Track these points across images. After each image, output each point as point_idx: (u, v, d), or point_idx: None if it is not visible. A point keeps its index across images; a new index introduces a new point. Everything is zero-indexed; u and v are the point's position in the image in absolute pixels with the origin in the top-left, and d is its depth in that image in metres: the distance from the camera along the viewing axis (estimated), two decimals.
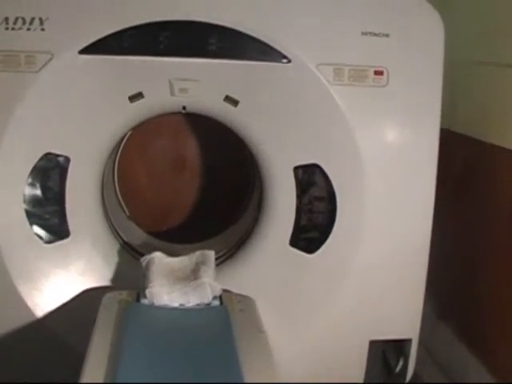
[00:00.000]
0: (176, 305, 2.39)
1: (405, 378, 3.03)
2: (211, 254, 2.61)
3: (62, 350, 2.70)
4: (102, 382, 1.90)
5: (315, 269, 2.78)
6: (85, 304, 2.69)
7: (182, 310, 2.39)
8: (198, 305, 2.40)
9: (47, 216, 2.72)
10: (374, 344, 2.90)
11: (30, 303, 2.72)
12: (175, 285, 2.44)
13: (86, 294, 2.75)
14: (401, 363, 3.00)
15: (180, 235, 3.28)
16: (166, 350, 2.13)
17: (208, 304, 2.42)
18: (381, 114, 2.70)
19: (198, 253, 2.63)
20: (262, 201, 2.87)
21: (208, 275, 2.46)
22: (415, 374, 3.08)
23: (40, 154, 2.63)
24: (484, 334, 3.00)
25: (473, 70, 3.12)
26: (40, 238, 2.70)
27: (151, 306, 2.39)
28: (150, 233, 3.29)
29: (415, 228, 2.78)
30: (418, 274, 2.84)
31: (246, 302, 2.56)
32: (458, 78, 3.11)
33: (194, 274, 2.49)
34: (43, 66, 2.54)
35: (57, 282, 2.74)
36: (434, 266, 2.90)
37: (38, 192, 2.69)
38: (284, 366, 2.15)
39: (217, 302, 2.43)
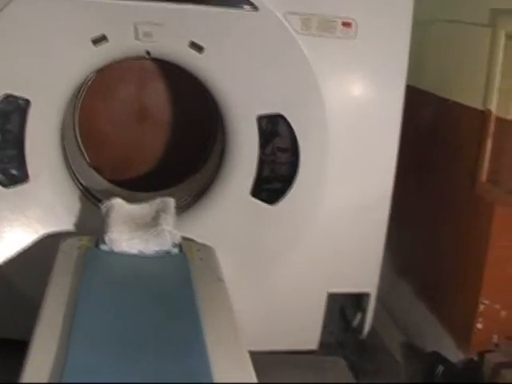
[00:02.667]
0: (135, 251, 2.37)
1: (362, 332, 3.06)
2: (171, 202, 2.59)
3: (19, 297, 2.67)
4: (59, 329, 1.86)
5: (276, 220, 2.78)
6: (43, 250, 2.64)
7: (141, 258, 2.37)
8: (157, 252, 2.39)
9: (6, 160, 2.67)
10: (332, 297, 2.91)
11: None
12: (135, 232, 2.42)
13: (45, 239, 2.73)
14: (358, 317, 3.02)
15: (142, 184, 3.25)
16: (125, 297, 2.11)
17: (167, 251, 2.40)
18: (348, 66, 2.69)
19: (158, 200, 2.61)
20: (224, 151, 2.85)
21: (168, 223, 2.44)
22: (373, 329, 3.10)
23: None
24: (442, 292, 3.02)
25: (439, 28, 3.11)
26: None
27: (110, 252, 2.36)
28: (111, 181, 3.24)
29: (377, 181, 2.79)
30: (379, 228, 2.85)
31: (206, 250, 2.55)
32: (425, 36, 3.10)
33: (153, 222, 2.47)
34: (4, 6, 2.48)
35: (15, 226, 2.71)
36: (395, 223, 2.92)
37: None
38: (242, 314, 2.14)
39: (176, 250, 2.42)
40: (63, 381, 1.59)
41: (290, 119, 2.68)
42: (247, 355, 1.85)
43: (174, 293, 2.16)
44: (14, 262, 2.72)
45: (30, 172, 2.69)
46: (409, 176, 3.12)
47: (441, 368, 2.67)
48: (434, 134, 3.18)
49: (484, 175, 2.73)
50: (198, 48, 2.60)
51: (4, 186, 2.68)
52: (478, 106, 2.74)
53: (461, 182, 2.89)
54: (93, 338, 1.83)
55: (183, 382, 1.66)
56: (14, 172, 2.69)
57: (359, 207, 2.78)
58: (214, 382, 1.65)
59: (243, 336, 1.96)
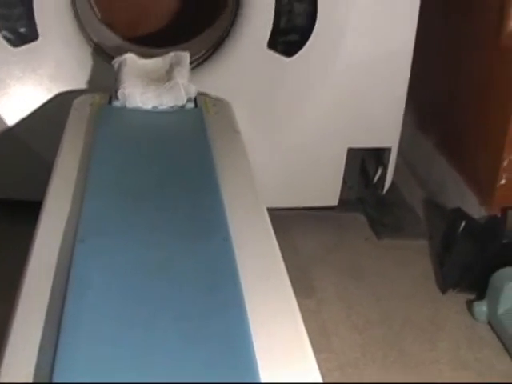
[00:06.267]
0: (149, 107, 2.32)
1: (383, 187, 3.02)
2: (186, 56, 2.51)
3: (33, 157, 2.66)
4: (73, 186, 1.83)
5: (293, 72, 2.70)
6: (56, 109, 2.62)
7: (155, 113, 2.32)
8: (171, 107, 2.34)
9: (14, 18, 2.60)
10: (352, 152, 2.86)
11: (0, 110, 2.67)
12: (148, 86, 2.36)
13: (57, 98, 2.68)
14: (379, 172, 2.98)
15: (155, 39, 3.16)
16: (139, 151, 2.06)
17: (182, 106, 2.35)
18: None
19: (172, 54, 2.53)
20: (238, 2, 2.73)
21: (182, 76, 2.37)
22: (393, 185, 3.08)
23: None
24: (464, 145, 2.97)
25: None
26: (8, 41, 2.61)
27: (124, 108, 2.31)
28: (124, 37, 3.15)
29: (399, 31, 2.69)
30: (400, 80, 2.76)
31: (222, 104, 2.50)
32: None
33: (167, 76, 2.41)
34: None
35: (28, 86, 2.67)
36: (417, 76, 2.83)
37: None
38: (260, 170, 2.11)
39: (191, 105, 2.36)
40: (78, 235, 1.56)
41: None
42: (264, 208, 1.81)
43: (190, 145, 2.11)
44: (27, 121, 2.69)
45: (39, 30, 2.63)
46: (431, 26, 3.02)
47: (463, 224, 2.65)
48: None
49: (510, 24, 2.60)
50: None
51: (14, 45, 2.62)
52: None
53: (486, 32, 2.78)
54: (108, 191, 1.80)
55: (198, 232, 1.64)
56: (22, 30, 2.62)
57: (380, 57, 2.69)
58: (231, 234, 1.61)
59: (260, 189, 1.91)
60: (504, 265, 2.45)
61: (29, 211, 1.87)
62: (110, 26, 3.13)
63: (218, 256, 1.53)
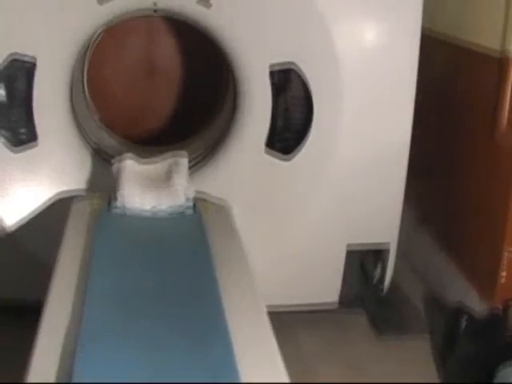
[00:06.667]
0: (148, 207, 2.35)
1: (383, 287, 3.01)
2: (184, 161, 2.55)
3: (32, 259, 2.64)
4: (73, 292, 1.85)
5: (291, 174, 2.73)
6: (55, 211, 2.65)
7: (154, 220, 2.34)
8: (170, 207, 2.37)
9: (14, 119, 2.65)
10: (351, 254, 2.86)
11: None
12: (148, 187, 2.40)
13: (57, 199, 2.70)
14: (379, 270, 2.96)
15: (154, 138, 3.22)
16: (140, 258, 2.09)
17: (181, 209, 2.38)
18: (359, 12, 2.61)
19: (170, 160, 2.57)
20: (236, 105, 2.79)
21: (180, 177, 2.43)
22: (394, 282, 3.06)
23: (5, 55, 2.54)
24: (464, 242, 2.97)
25: None
26: (8, 142, 2.64)
27: (123, 215, 2.34)
28: (123, 137, 3.21)
29: (394, 132, 2.72)
30: (397, 180, 2.79)
31: (221, 207, 2.54)
32: None
33: (166, 178, 2.46)
34: None
35: (26, 187, 2.69)
36: (413, 173, 2.86)
37: (4, 96, 2.62)
38: (260, 271, 2.12)
39: (190, 205, 2.40)
40: (80, 341, 1.59)
41: (302, 68, 2.61)
42: (264, 309, 1.85)
43: (190, 252, 2.14)
44: (26, 223, 2.70)
45: (38, 131, 2.66)
46: (426, 126, 3.07)
47: (464, 322, 2.64)
48: (450, 83, 3.11)
49: (504, 124, 2.65)
50: (206, 3, 2.54)
51: (13, 145, 2.65)
52: (496, 47, 2.65)
53: (480, 132, 2.83)
54: (108, 298, 1.83)
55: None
56: (22, 132, 2.66)
57: (376, 157, 2.72)
58: (233, 342, 1.64)
59: (261, 295, 1.95)
60: (507, 359, 2.44)
61: (28, 314, 1.87)
62: (109, 126, 3.18)
63: (219, 362, 1.56)
